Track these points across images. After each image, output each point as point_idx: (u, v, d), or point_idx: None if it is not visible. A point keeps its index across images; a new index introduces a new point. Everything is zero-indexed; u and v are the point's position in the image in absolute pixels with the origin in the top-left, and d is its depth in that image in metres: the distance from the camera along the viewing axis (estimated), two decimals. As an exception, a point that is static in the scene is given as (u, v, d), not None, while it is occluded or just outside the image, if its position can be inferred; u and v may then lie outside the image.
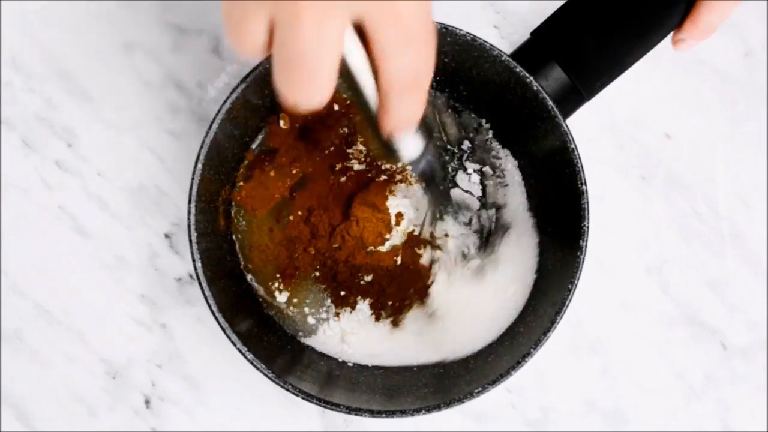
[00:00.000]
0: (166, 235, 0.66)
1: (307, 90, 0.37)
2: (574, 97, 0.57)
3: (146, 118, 0.66)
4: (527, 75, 0.56)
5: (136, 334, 0.65)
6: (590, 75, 0.57)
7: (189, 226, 0.55)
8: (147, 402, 0.65)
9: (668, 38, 0.57)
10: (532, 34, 0.58)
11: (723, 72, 0.68)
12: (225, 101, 0.56)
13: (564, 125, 0.56)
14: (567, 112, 0.58)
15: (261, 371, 0.55)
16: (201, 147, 0.56)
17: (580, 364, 0.67)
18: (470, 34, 0.57)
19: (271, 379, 0.55)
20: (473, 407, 0.66)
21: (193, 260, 0.56)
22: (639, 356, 0.67)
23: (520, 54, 0.58)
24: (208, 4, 0.66)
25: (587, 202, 0.56)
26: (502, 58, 0.57)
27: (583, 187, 0.56)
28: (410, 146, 0.45)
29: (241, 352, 0.55)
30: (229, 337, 0.55)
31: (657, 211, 0.67)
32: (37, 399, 0.65)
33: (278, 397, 0.65)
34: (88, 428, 0.65)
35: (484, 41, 0.57)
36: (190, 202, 0.56)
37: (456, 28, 0.57)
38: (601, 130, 0.67)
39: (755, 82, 0.68)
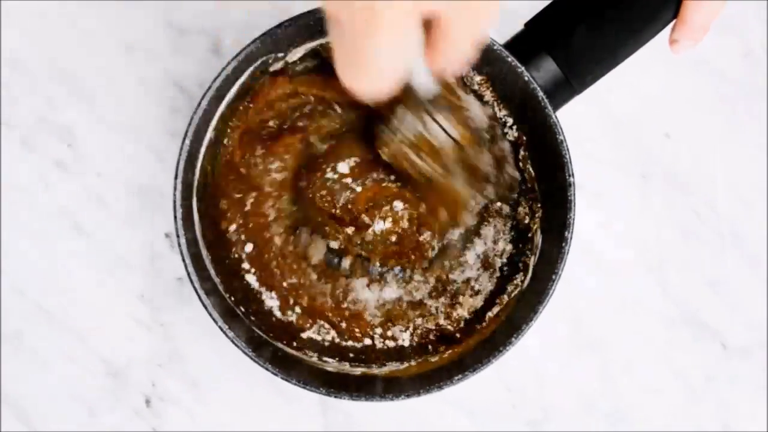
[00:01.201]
0: (167, 235, 0.66)
1: (372, 85, 0.37)
2: (565, 89, 0.58)
3: (146, 118, 0.66)
4: (519, 65, 0.57)
5: (136, 334, 0.65)
6: (582, 67, 0.57)
7: (174, 201, 0.56)
8: (147, 402, 0.65)
9: (666, 37, 0.57)
10: (525, 25, 0.58)
11: (723, 72, 0.68)
12: (215, 78, 0.56)
13: (554, 116, 0.57)
14: (558, 104, 0.58)
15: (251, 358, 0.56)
16: (189, 124, 0.56)
17: (580, 364, 0.67)
18: None
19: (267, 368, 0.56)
20: (473, 407, 0.66)
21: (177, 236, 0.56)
22: (639, 356, 0.67)
23: (513, 45, 0.58)
24: (208, 4, 0.66)
25: (573, 195, 0.57)
26: (494, 47, 0.57)
27: (571, 179, 0.57)
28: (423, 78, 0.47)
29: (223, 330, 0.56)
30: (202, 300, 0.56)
31: (657, 210, 0.67)
32: (37, 399, 0.65)
33: (279, 396, 0.65)
34: (88, 428, 0.65)
35: None
36: (176, 178, 0.56)
37: None
38: (600, 128, 0.67)
39: (755, 82, 0.68)
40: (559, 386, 0.66)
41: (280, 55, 0.58)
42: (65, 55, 0.66)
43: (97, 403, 0.65)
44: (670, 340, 0.67)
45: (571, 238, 0.57)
